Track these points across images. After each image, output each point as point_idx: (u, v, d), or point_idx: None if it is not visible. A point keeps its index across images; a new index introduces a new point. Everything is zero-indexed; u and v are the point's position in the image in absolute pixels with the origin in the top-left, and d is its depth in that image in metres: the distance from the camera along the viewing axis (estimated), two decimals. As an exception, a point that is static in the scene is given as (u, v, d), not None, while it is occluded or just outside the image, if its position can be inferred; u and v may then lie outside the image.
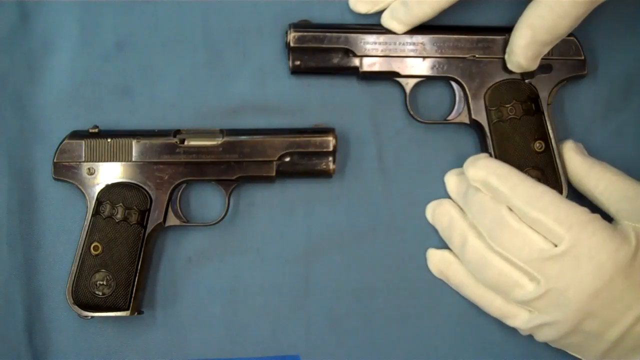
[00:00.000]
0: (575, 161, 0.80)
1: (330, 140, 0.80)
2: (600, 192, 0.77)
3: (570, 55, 0.81)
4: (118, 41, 0.84)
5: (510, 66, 0.80)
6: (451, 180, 0.82)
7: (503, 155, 0.80)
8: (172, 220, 0.80)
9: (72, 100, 0.83)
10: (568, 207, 0.73)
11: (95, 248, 0.78)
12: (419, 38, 0.81)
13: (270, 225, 0.83)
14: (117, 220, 0.78)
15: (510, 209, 0.75)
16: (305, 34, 0.81)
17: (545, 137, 0.81)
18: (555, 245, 0.73)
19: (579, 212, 0.73)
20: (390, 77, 0.83)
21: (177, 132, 0.80)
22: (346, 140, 0.84)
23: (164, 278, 0.82)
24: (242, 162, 0.79)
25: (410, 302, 0.83)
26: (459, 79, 0.82)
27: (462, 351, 0.83)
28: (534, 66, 0.80)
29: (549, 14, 0.75)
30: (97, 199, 0.78)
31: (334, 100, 0.84)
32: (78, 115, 0.82)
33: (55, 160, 0.79)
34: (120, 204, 0.78)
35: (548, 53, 0.80)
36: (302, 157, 0.80)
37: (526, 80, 0.81)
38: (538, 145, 0.80)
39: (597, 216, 0.74)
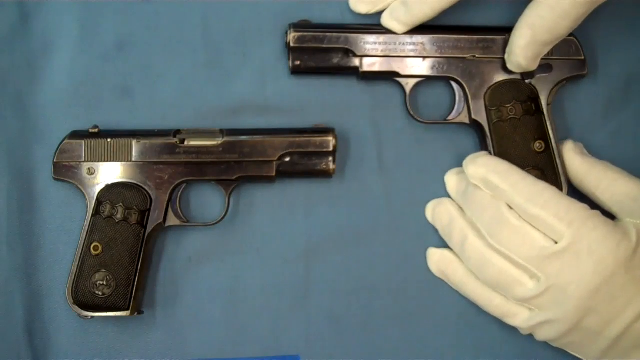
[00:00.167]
0: (576, 162, 0.80)
1: (330, 140, 0.80)
2: (602, 192, 0.77)
3: (570, 55, 0.81)
4: (118, 41, 0.84)
5: (510, 66, 0.80)
6: (451, 179, 0.82)
7: (503, 155, 0.80)
8: (172, 220, 0.80)
9: (72, 100, 0.83)
10: (568, 204, 0.73)
11: (95, 248, 0.78)
12: (419, 38, 0.81)
13: (270, 225, 0.83)
14: (117, 220, 0.78)
15: (510, 207, 0.75)
16: (305, 34, 0.81)
17: (545, 137, 0.81)
18: (556, 242, 0.73)
19: (579, 209, 0.73)
20: (390, 77, 0.83)
21: (177, 132, 0.80)
22: (346, 140, 0.84)
23: (164, 278, 0.82)
24: (242, 162, 0.79)
25: (410, 302, 0.83)
26: (459, 79, 0.82)
27: (462, 351, 0.83)
28: (534, 66, 0.80)
29: (549, 14, 0.75)
30: (97, 199, 0.78)
31: (334, 100, 0.84)
32: (78, 115, 0.82)
33: (55, 160, 0.79)
34: (120, 204, 0.78)
35: (548, 53, 0.80)
36: (302, 157, 0.80)
37: (526, 80, 0.81)
38: (538, 145, 0.80)
39: (597, 212, 0.74)
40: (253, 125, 0.82)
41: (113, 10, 0.84)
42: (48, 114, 0.82)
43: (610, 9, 0.81)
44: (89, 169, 0.79)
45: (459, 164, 0.82)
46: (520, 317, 0.77)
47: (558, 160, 0.80)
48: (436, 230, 0.83)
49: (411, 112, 0.83)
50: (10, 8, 0.83)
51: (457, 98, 0.83)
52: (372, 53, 0.81)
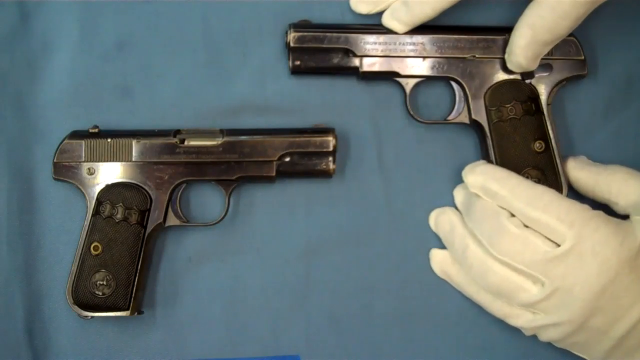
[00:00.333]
0: (582, 176, 0.79)
1: (330, 140, 0.80)
2: (616, 195, 0.77)
3: (570, 55, 0.81)
4: (118, 41, 0.84)
5: (510, 66, 0.80)
6: (459, 194, 0.82)
7: (503, 155, 0.80)
8: (172, 220, 0.80)
9: (72, 100, 0.83)
10: (569, 205, 0.73)
11: (95, 248, 0.78)
12: (419, 38, 0.81)
13: (270, 225, 0.83)
14: (117, 220, 0.78)
15: (509, 216, 0.75)
16: (305, 34, 0.81)
17: (545, 137, 0.81)
18: (558, 246, 0.73)
19: (580, 209, 0.73)
20: (390, 77, 0.83)
21: (177, 132, 0.80)
22: (346, 140, 0.84)
23: (164, 278, 0.82)
24: (242, 162, 0.79)
25: (410, 302, 0.83)
26: (459, 79, 0.82)
27: (462, 351, 0.83)
28: (534, 66, 0.79)
29: (550, 14, 0.75)
30: (97, 199, 0.78)
31: (334, 100, 0.84)
32: (78, 115, 0.82)
33: (55, 160, 0.79)
34: (120, 204, 0.78)
35: (548, 53, 0.80)
36: (302, 157, 0.80)
37: (526, 80, 0.81)
38: (538, 145, 0.80)
39: (599, 212, 0.74)
40: (253, 125, 0.82)
41: (113, 10, 0.84)
42: (48, 114, 0.82)
43: (610, 9, 0.81)
44: (89, 169, 0.79)
45: (459, 164, 0.82)
46: (523, 318, 0.76)
47: (558, 160, 0.80)
48: (436, 230, 0.83)
49: (411, 112, 0.83)
50: (10, 8, 0.83)
51: (457, 98, 0.83)
52: (372, 53, 0.81)
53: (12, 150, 0.82)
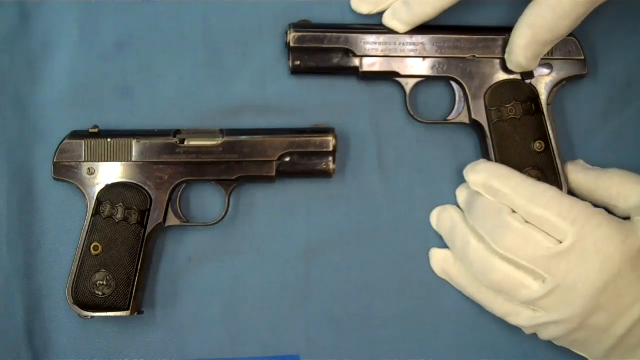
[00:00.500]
0: (581, 180, 0.80)
1: (330, 140, 0.80)
2: (616, 198, 0.77)
3: (570, 55, 0.82)
4: (118, 41, 0.84)
5: (510, 66, 0.80)
6: (462, 193, 0.82)
7: (503, 155, 0.80)
8: (172, 220, 0.80)
9: (72, 100, 0.83)
10: (571, 202, 0.73)
11: (95, 248, 0.78)
12: (419, 38, 0.81)
13: (270, 225, 0.83)
14: (117, 220, 0.78)
15: (512, 212, 0.75)
16: (305, 34, 0.81)
17: (545, 137, 0.81)
18: (560, 242, 0.73)
19: (582, 207, 0.73)
20: (390, 77, 0.83)
21: (177, 132, 0.80)
22: (346, 140, 0.84)
23: (164, 278, 0.82)
24: (242, 162, 0.79)
25: (411, 302, 0.83)
26: (459, 79, 0.82)
27: (462, 352, 0.83)
28: (534, 66, 0.80)
29: (550, 14, 0.75)
30: (97, 199, 0.78)
31: (334, 100, 0.84)
32: (78, 115, 0.82)
33: (55, 160, 0.79)
34: (120, 204, 0.78)
35: (548, 53, 0.80)
36: (302, 157, 0.80)
37: (526, 80, 0.81)
38: (538, 145, 0.80)
39: (601, 210, 0.74)
40: (253, 125, 0.82)
41: (113, 10, 0.84)
42: (48, 114, 0.82)
43: (610, 9, 0.81)
44: (89, 169, 0.79)
45: (459, 164, 0.82)
46: (524, 316, 0.76)
47: (558, 160, 0.80)
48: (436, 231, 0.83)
49: (411, 112, 0.83)
50: (10, 8, 0.83)
51: (457, 98, 0.83)
52: (372, 53, 0.81)
53: (12, 150, 0.82)
